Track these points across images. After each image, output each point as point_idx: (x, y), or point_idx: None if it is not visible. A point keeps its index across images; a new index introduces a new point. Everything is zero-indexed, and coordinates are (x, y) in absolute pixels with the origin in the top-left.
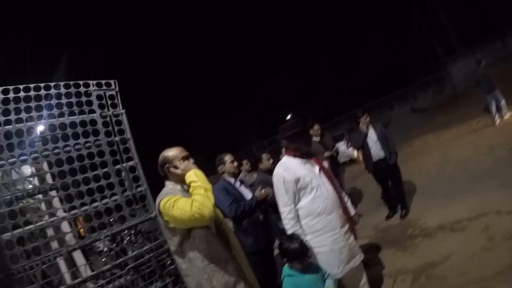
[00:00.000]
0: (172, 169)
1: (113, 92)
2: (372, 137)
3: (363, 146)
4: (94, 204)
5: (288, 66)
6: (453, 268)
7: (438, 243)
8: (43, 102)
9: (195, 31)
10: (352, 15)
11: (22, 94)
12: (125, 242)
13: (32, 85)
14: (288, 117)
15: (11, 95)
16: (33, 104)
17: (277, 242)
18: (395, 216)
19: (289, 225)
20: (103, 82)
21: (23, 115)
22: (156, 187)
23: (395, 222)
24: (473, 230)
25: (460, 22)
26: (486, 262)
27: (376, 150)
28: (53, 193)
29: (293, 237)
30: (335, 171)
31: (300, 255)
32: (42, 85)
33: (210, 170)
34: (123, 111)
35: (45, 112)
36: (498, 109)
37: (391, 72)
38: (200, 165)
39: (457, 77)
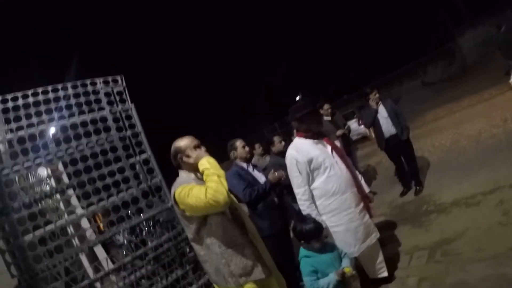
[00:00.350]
0: (184, 159)
1: (121, 88)
2: (382, 113)
3: (374, 123)
4: (111, 199)
5: (295, 46)
6: (468, 244)
7: (453, 218)
8: (53, 105)
9: (201, 18)
10: None
11: (31, 99)
12: (144, 233)
13: (40, 89)
14: (298, 98)
15: (20, 101)
16: (43, 107)
17: (292, 224)
18: (410, 193)
19: (304, 206)
20: (109, 79)
21: (34, 119)
22: (171, 177)
23: (409, 198)
24: (488, 204)
25: None
26: (502, 237)
27: (387, 126)
28: (70, 191)
29: (306, 218)
30: (348, 149)
31: (315, 235)
32: (49, 88)
33: (222, 157)
34: (132, 105)
35: (55, 114)
36: None
37: (399, 46)
38: (211, 152)
39: (467, 48)
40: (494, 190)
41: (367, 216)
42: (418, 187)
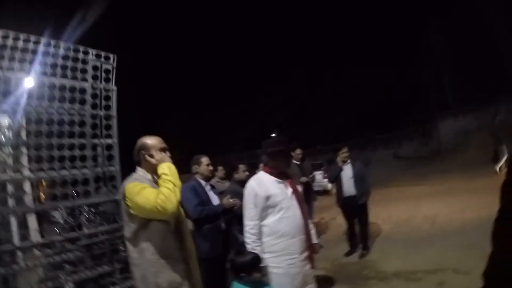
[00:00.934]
0: (147, 157)
1: (110, 67)
2: (347, 173)
3: (336, 180)
4: (62, 172)
5: (285, 88)
6: None
7: None
8: (39, 57)
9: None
10: (354, 50)
11: (21, 43)
12: (82, 218)
13: (33, 36)
14: (273, 135)
15: (10, 41)
16: (29, 56)
17: (231, 255)
18: (355, 255)
19: (250, 240)
20: (102, 53)
21: (16, 64)
22: (127, 171)
23: (353, 260)
24: (428, 283)
25: (460, 82)
26: None
27: (348, 187)
28: (24, 150)
29: (245, 251)
30: (307, 197)
31: (256, 265)
32: (43, 39)
33: (183, 169)
34: (115, 88)
35: (38, 67)
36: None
37: (382, 113)
38: (175, 162)
39: (445, 134)
40: (436, 271)
41: (308, 266)
42: (364, 251)
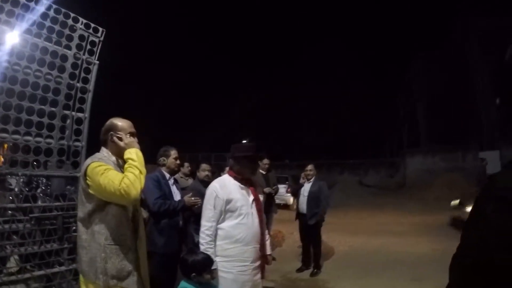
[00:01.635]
0: (115, 139)
1: (97, 40)
2: (305, 190)
3: (297, 195)
4: (26, 137)
5: (264, 99)
6: None
7: None
8: (28, 14)
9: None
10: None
11: None
12: (39, 190)
13: None
14: (244, 141)
15: None
16: (17, 11)
17: (183, 255)
18: (306, 272)
19: (204, 240)
20: (92, 25)
21: (3, 16)
22: (91, 151)
23: (304, 277)
24: None
25: (434, 123)
26: None
27: (302, 204)
28: None
29: (198, 251)
30: (268, 208)
31: (207, 266)
32: None
33: (148, 159)
34: (97, 62)
35: (25, 25)
36: None
37: (354, 140)
38: (142, 149)
39: (412, 169)
40: None
41: (259, 275)
42: (315, 270)
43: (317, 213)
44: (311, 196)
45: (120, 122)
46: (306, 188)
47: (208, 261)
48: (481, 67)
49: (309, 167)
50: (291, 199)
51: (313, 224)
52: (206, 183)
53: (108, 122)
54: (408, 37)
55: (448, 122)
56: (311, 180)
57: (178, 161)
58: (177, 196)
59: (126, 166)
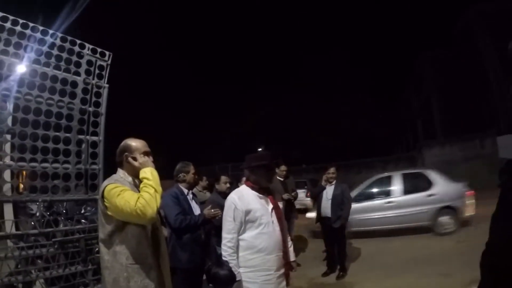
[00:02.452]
0: (130, 159)
1: (104, 64)
2: (328, 194)
3: (317, 198)
4: (44, 164)
5: (277, 105)
6: None
7: None
8: (35, 45)
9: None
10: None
11: (19, 28)
12: (60, 214)
13: (31, 24)
14: (259, 149)
15: (8, 25)
16: (24, 43)
17: (208, 265)
18: (332, 276)
19: (226, 253)
20: (98, 49)
21: (11, 49)
22: (108, 171)
23: (330, 281)
24: None
25: (449, 113)
26: None
27: (325, 208)
28: (8, 137)
29: (224, 263)
30: (288, 215)
31: (226, 283)
32: (40, 27)
33: (164, 175)
34: (107, 85)
35: (33, 55)
36: None
37: (370, 139)
38: (157, 167)
39: (430, 162)
40: None
41: (284, 283)
42: (341, 272)
43: (341, 216)
44: (335, 199)
45: (134, 143)
46: (328, 191)
47: (227, 279)
48: (491, 50)
49: (332, 169)
50: (311, 203)
51: (338, 227)
52: (225, 194)
53: (122, 143)
54: (415, 30)
55: (463, 111)
56: (333, 183)
57: (196, 176)
58: (196, 210)
59: (141, 186)
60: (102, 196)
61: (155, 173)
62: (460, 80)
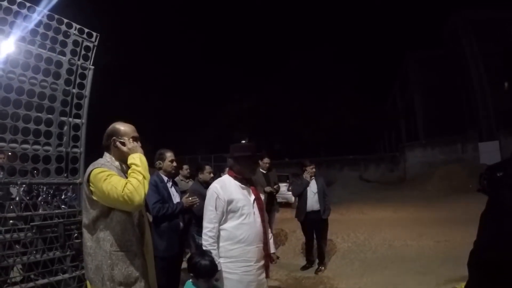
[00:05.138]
0: (118, 144)
1: (91, 45)
2: (312, 188)
3: (301, 194)
4: (24, 146)
5: (262, 96)
6: None
7: None
8: (21, 22)
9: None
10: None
11: (5, 4)
12: (40, 198)
13: (19, 0)
14: (244, 141)
15: None
16: (10, 19)
17: (188, 255)
18: (311, 269)
19: (207, 242)
20: (86, 29)
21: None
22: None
23: (309, 274)
24: None
25: (432, 116)
26: None
27: (312, 202)
28: None
29: (205, 253)
30: (269, 207)
31: (208, 273)
32: (28, 4)
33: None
34: (92, 67)
35: (18, 33)
36: None
37: (353, 135)
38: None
39: (411, 163)
40: None
41: (263, 275)
42: (320, 266)
43: (326, 208)
44: (320, 192)
45: (122, 127)
46: (312, 186)
47: (209, 269)
48: (477, 57)
49: (312, 165)
50: (292, 198)
51: (325, 219)
52: (207, 184)
53: (110, 127)
54: (403, 30)
55: (446, 114)
56: (313, 177)
57: (174, 164)
58: (176, 198)
59: (129, 171)
60: (88, 180)
61: (144, 159)
62: (444, 82)
